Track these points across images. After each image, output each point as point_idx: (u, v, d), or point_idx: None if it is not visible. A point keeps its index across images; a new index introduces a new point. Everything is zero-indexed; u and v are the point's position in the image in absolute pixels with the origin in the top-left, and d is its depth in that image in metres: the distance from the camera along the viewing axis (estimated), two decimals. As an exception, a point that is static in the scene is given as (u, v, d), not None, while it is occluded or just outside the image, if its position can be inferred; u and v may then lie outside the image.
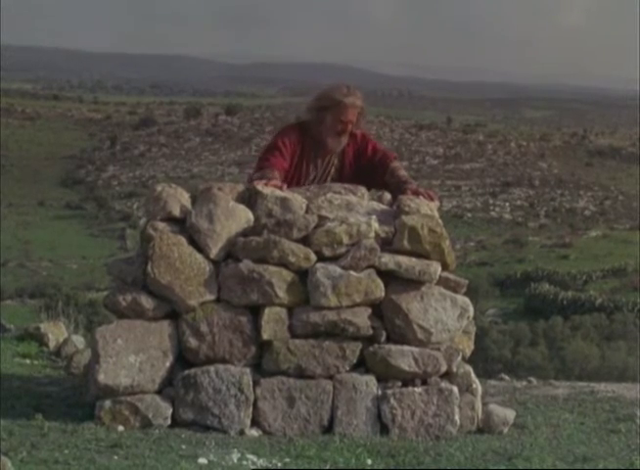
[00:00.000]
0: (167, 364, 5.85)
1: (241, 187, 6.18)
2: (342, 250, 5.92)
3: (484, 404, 6.22)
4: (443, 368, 5.97)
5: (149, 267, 5.86)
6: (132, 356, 5.79)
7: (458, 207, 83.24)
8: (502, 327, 43.93)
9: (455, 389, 5.95)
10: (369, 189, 6.43)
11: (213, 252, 5.93)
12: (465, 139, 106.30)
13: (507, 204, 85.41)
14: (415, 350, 5.90)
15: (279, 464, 5.08)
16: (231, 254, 5.97)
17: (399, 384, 5.91)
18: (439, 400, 5.90)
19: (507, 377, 8.62)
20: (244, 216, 6.03)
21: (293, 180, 6.47)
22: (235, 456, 5.13)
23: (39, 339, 9.41)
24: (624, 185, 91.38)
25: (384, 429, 5.86)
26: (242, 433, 5.74)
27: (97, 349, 5.80)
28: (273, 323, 5.86)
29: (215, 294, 5.91)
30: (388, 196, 6.38)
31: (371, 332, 5.88)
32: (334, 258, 5.92)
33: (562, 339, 39.62)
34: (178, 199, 6.06)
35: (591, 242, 70.05)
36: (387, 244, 5.99)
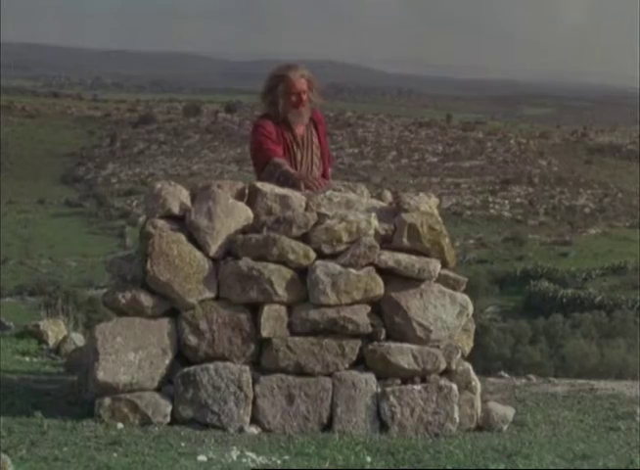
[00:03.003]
0: (167, 362, 5.85)
1: (240, 184, 6.18)
2: (342, 247, 5.92)
3: (484, 402, 6.22)
4: (443, 366, 5.97)
5: (148, 265, 5.86)
6: (131, 354, 5.79)
7: (457, 204, 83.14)
8: (502, 325, 43.99)
9: (454, 386, 5.96)
10: None
11: (213, 249, 5.92)
12: (464, 137, 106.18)
13: (506, 201, 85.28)
14: (414, 347, 5.90)
15: (278, 462, 5.08)
16: (230, 251, 5.97)
17: (399, 381, 5.92)
18: (439, 398, 5.91)
19: (506, 375, 8.63)
20: (243, 214, 6.03)
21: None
22: (234, 454, 5.13)
23: (39, 336, 9.43)
24: (624, 183, 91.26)
25: (383, 427, 5.86)
26: (241, 430, 5.74)
27: (96, 346, 5.80)
28: (272, 321, 5.86)
29: (215, 291, 5.91)
30: (387, 194, 6.39)
31: (370, 329, 5.88)
32: (333, 256, 5.92)
33: (561, 336, 39.67)
34: (177, 196, 6.06)
35: (591, 240, 70.05)
36: (386, 241, 6.00)
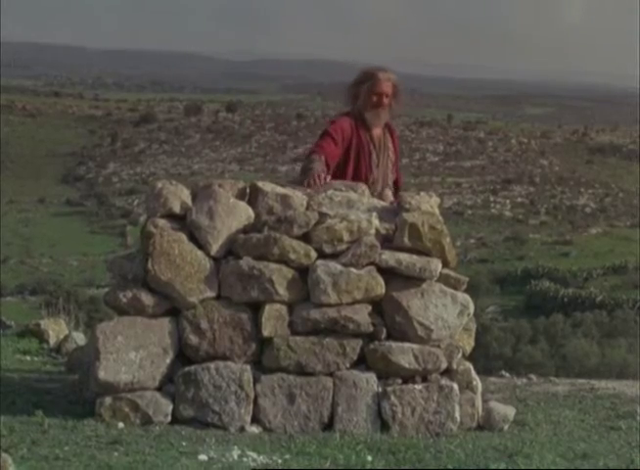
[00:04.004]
0: (168, 361, 5.85)
1: (241, 184, 6.18)
2: (343, 247, 5.92)
3: (485, 401, 6.22)
4: (444, 365, 5.97)
5: (149, 264, 5.86)
6: (132, 353, 5.79)
7: (458, 204, 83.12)
8: (502, 324, 43.96)
9: (455, 386, 5.95)
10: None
11: (214, 248, 5.92)
12: (465, 136, 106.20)
13: (507, 201, 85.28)
14: (415, 347, 5.90)
15: (279, 461, 5.08)
16: (231, 250, 5.97)
17: (400, 381, 5.91)
18: (440, 398, 5.91)
19: (507, 374, 8.64)
20: (244, 213, 6.03)
21: (362, 168, 6.57)
22: (235, 453, 5.13)
23: (40, 335, 9.43)
24: (625, 182, 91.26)
25: (384, 426, 5.86)
26: (242, 430, 5.75)
27: (97, 345, 5.80)
28: (273, 320, 5.86)
29: (216, 291, 5.91)
30: (388, 193, 6.39)
31: (371, 329, 5.88)
32: (334, 255, 5.92)
33: (562, 336, 39.65)
34: (179, 196, 6.06)
35: (592, 239, 70.04)
36: (387, 241, 5.99)
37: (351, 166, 6.57)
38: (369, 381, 5.88)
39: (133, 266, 6.01)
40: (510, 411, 6.18)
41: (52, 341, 9.35)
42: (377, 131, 6.71)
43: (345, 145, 6.54)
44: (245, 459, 5.06)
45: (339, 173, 6.54)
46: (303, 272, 5.90)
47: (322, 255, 5.92)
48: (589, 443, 5.77)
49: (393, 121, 7.00)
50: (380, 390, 5.88)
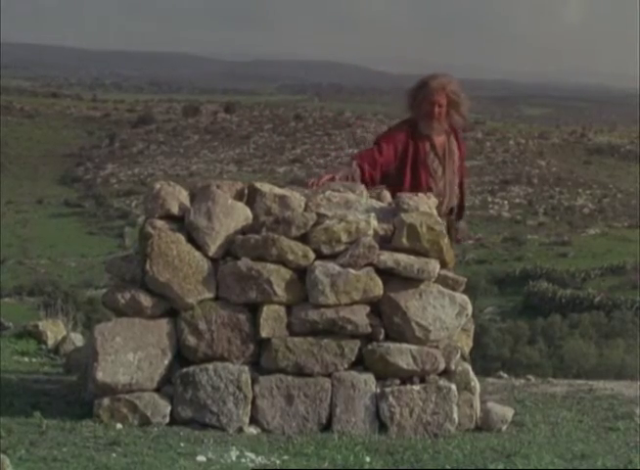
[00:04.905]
0: (166, 362, 5.85)
1: (239, 185, 6.19)
2: (341, 248, 5.92)
3: (483, 402, 6.22)
4: (442, 366, 5.97)
5: (147, 265, 5.86)
6: (131, 354, 5.79)
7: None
8: (501, 325, 43.98)
9: (453, 387, 5.96)
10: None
11: (212, 249, 5.93)
12: (463, 137, 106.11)
13: (506, 202, 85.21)
14: (413, 347, 5.90)
15: (277, 462, 5.08)
16: (230, 251, 5.97)
17: (398, 382, 5.91)
18: (438, 398, 5.91)
19: (505, 375, 8.64)
20: (242, 214, 6.03)
21: (421, 178, 6.53)
22: (233, 454, 5.13)
23: (38, 336, 9.43)
24: (623, 183, 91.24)
25: (382, 427, 5.86)
26: (240, 431, 5.75)
27: (95, 346, 5.80)
28: (272, 321, 5.86)
29: (214, 292, 5.91)
30: (387, 194, 6.39)
31: (369, 330, 5.88)
32: (332, 256, 5.92)
33: (560, 337, 39.68)
34: (177, 197, 6.06)
35: (590, 240, 70.02)
36: (385, 242, 5.99)
37: (408, 176, 6.52)
38: (367, 382, 5.88)
39: (131, 267, 6.02)
40: (508, 412, 6.19)
41: (50, 342, 9.35)
42: (439, 139, 6.62)
43: (399, 155, 6.49)
44: (243, 460, 5.07)
45: (395, 183, 6.50)
46: (302, 273, 5.90)
47: (320, 255, 5.92)
48: (587, 443, 5.77)
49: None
50: (378, 391, 5.88)
